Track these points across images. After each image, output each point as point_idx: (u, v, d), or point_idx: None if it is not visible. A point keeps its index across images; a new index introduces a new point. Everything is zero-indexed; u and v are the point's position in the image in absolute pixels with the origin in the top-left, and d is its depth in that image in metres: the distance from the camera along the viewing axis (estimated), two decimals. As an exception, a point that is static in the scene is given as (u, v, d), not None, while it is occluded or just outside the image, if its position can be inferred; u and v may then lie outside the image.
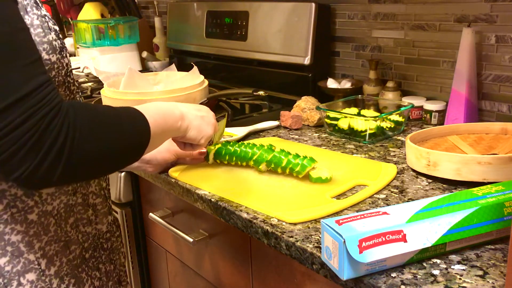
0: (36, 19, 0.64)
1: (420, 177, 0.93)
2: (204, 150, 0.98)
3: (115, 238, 0.83)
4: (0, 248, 0.65)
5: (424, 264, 0.65)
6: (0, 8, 0.55)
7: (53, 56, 0.66)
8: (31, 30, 0.63)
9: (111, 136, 0.60)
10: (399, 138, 1.18)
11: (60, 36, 0.69)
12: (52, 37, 0.66)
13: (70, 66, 0.72)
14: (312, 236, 0.73)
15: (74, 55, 2.34)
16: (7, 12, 0.56)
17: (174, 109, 0.77)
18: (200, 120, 0.81)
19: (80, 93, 0.78)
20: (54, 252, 0.70)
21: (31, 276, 0.68)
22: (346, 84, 1.45)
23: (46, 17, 0.67)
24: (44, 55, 0.64)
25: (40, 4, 0.67)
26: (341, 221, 0.63)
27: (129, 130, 0.64)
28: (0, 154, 0.53)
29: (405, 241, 0.62)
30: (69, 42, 2.45)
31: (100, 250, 0.79)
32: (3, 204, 0.65)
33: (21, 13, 0.61)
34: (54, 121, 0.55)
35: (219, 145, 0.99)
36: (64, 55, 0.69)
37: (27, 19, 0.63)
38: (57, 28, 0.69)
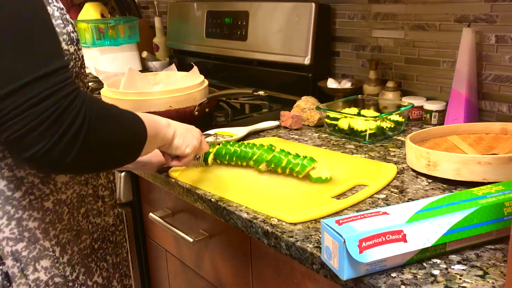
0: (56, 11, 0.67)
1: (420, 177, 0.93)
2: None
3: (118, 232, 0.84)
4: (18, 233, 0.67)
5: (424, 264, 0.65)
6: None
7: (71, 47, 0.68)
8: (52, 21, 0.65)
9: (117, 129, 0.63)
10: (399, 138, 1.18)
11: (76, 29, 0.71)
12: (70, 29, 0.68)
13: (84, 59, 0.75)
14: (312, 236, 0.73)
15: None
16: None
17: (161, 118, 0.80)
18: (185, 129, 0.84)
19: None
20: (67, 241, 0.72)
21: (45, 262, 0.70)
22: (346, 84, 1.45)
23: (64, 10, 0.70)
24: (64, 46, 0.67)
25: None
26: (341, 221, 0.63)
27: (131, 127, 0.67)
28: (21, 128, 0.53)
29: (405, 241, 0.62)
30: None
31: (107, 242, 0.81)
32: (22, 190, 0.66)
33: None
34: (74, 103, 0.56)
35: (219, 146, 0.99)
36: (80, 47, 0.71)
37: (49, 10, 0.65)
38: (72, 21, 0.71)
